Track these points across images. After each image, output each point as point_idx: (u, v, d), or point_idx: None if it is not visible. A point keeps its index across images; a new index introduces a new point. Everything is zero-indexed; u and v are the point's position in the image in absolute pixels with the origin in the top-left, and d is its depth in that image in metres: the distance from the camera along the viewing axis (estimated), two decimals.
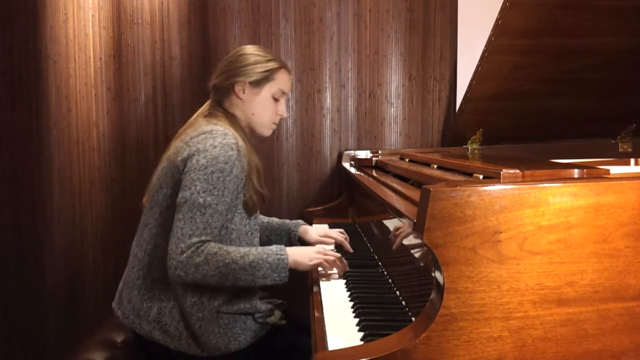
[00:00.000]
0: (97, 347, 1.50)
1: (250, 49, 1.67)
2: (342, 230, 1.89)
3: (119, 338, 1.54)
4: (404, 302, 1.30)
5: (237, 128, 1.60)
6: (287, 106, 2.61)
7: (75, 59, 2.53)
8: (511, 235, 0.92)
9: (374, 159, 2.24)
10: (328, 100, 2.63)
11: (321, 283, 1.51)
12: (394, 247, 1.42)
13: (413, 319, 1.16)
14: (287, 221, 1.92)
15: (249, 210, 1.56)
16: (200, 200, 1.41)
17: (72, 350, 1.52)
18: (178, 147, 1.52)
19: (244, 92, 1.62)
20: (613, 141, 2.33)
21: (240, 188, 1.51)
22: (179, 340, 1.44)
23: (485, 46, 1.91)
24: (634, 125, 2.29)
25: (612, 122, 2.26)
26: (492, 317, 0.93)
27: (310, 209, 2.52)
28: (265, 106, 1.65)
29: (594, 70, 2.05)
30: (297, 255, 1.50)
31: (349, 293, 1.40)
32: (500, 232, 0.92)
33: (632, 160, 2.05)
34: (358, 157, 2.43)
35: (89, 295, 2.58)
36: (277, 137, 2.62)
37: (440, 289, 0.93)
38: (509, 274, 0.93)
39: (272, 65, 1.64)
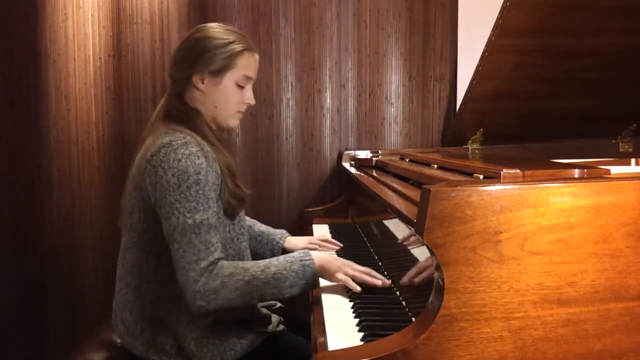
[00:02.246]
0: (96, 348, 1.50)
1: (209, 31, 1.47)
2: (326, 238, 1.88)
3: (119, 339, 1.54)
4: (404, 302, 1.30)
5: (201, 127, 1.45)
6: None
7: (74, 59, 2.52)
8: (511, 235, 0.92)
9: (374, 159, 2.23)
10: (328, 100, 2.63)
11: (321, 282, 1.50)
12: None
13: (413, 319, 1.16)
14: (271, 229, 1.83)
15: (229, 215, 1.44)
16: (190, 221, 1.28)
17: (71, 350, 1.52)
18: (140, 165, 1.37)
19: (203, 83, 1.45)
20: (613, 141, 2.33)
21: (217, 195, 1.39)
22: (175, 357, 1.40)
23: (486, 46, 1.91)
24: (635, 125, 2.28)
25: (612, 122, 2.26)
26: (493, 318, 0.92)
27: (310, 209, 2.52)
28: (228, 96, 1.47)
29: (594, 70, 2.05)
30: (324, 260, 1.38)
31: (349, 293, 1.40)
32: (501, 232, 0.92)
33: (633, 160, 2.04)
34: (358, 157, 2.43)
35: (89, 295, 2.58)
36: (277, 137, 2.62)
37: (440, 289, 0.93)
38: (510, 274, 0.92)
39: (233, 49, 1.44)
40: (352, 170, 2.23)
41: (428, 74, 2.64)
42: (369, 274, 1.39)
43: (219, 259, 1.31)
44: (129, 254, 1.43)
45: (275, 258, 1.37)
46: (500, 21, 1.83)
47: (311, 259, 1.35)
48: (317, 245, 1.83)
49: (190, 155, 1.32)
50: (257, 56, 1.52)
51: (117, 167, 2.58)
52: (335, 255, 1.43)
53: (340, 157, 2.62)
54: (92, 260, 2.59)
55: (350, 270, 1.38)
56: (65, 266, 2.57)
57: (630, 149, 2.30)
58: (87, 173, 2.57)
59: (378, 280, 1.38)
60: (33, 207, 2.55)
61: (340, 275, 1.36)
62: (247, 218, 1.82)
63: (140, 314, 1.41)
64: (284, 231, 1.84)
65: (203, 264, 1.27)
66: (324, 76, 2.62)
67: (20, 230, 2.56)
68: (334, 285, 1.47)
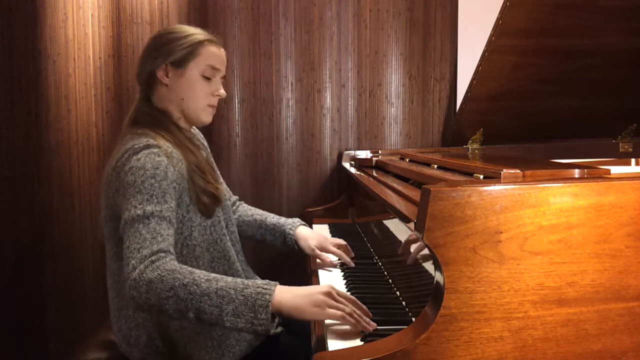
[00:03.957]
0: (97, 348, 1.50)
1: (169, 28, 1.49)
2: (340, 241, 1.70)
3: (119, 347, 1.54)
4: (404, 302, 1.30)
5: (169, 128, 1.42)
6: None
7: (74, 59, 2.52)
8: (512, 235, 0.92)
9: (374, 159, 2.23)
10: (328, 100, 2.63)
11: (321, 282, 1.50)
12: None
13: (413, 319, 1.16)
14: (282, 220, 1.74)
15: (205, 213, 1.39)
16: (139, 212, 1.21)
17: (72, 350, 1.52)
18: (107, 174, 1.37)
19: (167, 76, 1.43)
20: (614, 141, 2.34)
21: (187, 198, 1.35)
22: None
23: (486, 46, 1.91)
24: (635, 125, 2.29)
25: (612, 122, 2.26)
26: (493, 318, 0.92)
27: (310, 209, 2.52)
28: (195, 87, 1.44)
29: (594, 70, 2.05)
30: (294, 295, 1.13)
31: (349, 293, 1.40)
32: (501, 232, 0.92)
33: (633, 160, 2.04)
34: (358, 157, 2.43)
35: (89, 296, 2.58)
36: (277, 137, 2.62)
37: (440, 289, 0.93)
38: (510, 274, 0.92)
39: (193, 39, 1.43)
40: (352, 170, 2.23)
41: (428, 74, 2.64)
42: (353, 314, 1.12)
43: (166, 251, 1.18)
44: (113, 263, 1.41)
45: (232, 278, 1.17)
46: (500, 21, 1.83)
47: (270, 290, 1.12)
48: (328, 252, 1.66)
49: (150, 154, 1.30)
50: (222, 50, 1.49)
51: None
52: (315, 287, 1.17)
53: (340, 157, 2.61)
54: (92, 260, 2.59)
55: (333, 301, 1.13)
56: (65, 266, 2.57)
57: (630, 149, 2.30)
58: (87, 173, 2.57)
59: (360, 320, 1.12)
60: (33, 207, 2.55)
61: (328, 310, 1.12)
62: (259, 211, 1.80)
63: (134, 321, 1.40)
64: (296, 220, 1.74)
65: (145, 252, 1.16)
66: (324, 76, 2.62)
67: (20, 230, 2.56)
68: (333, 285, 1.46)
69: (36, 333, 2.58)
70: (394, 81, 2.64)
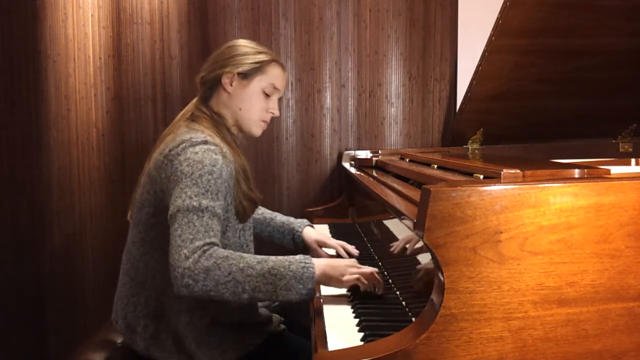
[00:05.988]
0: (97, 348, 1.50)
1: (241, 41, 1.57)
2: (343, 243, 1.77)
3: (119, 339, 1.54)
4: (404, 302, 1.30)
5: (222, 130, 1.50)
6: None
7: (74, 59, 2.52)
8: (512, 235, 0.92)
9: (374, 159, 2.23)
10: (328, 100, 2.63)
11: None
12: (396, 250, 1.42)
13: (413, 319, 1.16)
14: (292, 219, 1.83)
15: (241, 217, 1.45)
16: (195, 203, 1.27)
17: (71, 350, 1.52)
18: (157, 160, 1.40)
19: (231, 85, 1.51)
20: (614, 141, 2.34)
21: (230, 198, 1.41)
22: (178, 354, 1.40)
23: (486, 46, 1.91)
24: (635, 125, 2.29)
25: (612, 122, 2.26)
26: (493, 318, 0.92)
27: (310, 209, 2.52)
28: (254, 100, 1.52)
29: (594, 70, 2.05)
30: (327, 267, 1.29)
31: (349, 293, 1.40)
32: (501, 232, 0.92)
33: (633, 160, 2.04)
34: (358, 157, 2.43)
35: (89, 295, 2.58)
36: (277, 137, 2.62)
37: (440, 289, 0.93)
38: (510, 274, 0.92)
39: (263, 57, 1.53)
40: (352, 170, 2.23)
41: (428, 74, 2.64)
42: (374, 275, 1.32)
43: (216, 244, 1.26)
44: (136, 248, 1.43)
45: (273, 256, 1.28)
46: (500, 21, 1.83)
47: (311, 263, 1.26)
48: (328, 245, 1.74)
49: (208, 150, 1.35)
50: (286, 74, 1.61)
51: (117, 168, 2.58)
52: (336, 258, 1.36)
53: (340, 157, 2.61)
54: (92, 260, 2.59)
55: (357, 269, 1.31)
56: (65, 266, 2.57)
57: (630, 149, 2.30)
58: (87, 173, 2.57)
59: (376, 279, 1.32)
60: (33, 207, 2.55)
61: (347, 276, 1.29)
62: (268, 211, 1.86)
63: (144, 310, 1.42)
64: (304, 220, 1.85)
65: (198, 243, 1.23)
66: (324, 76, 2.62)
67: (20, 230, 2.56)
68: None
69: (36, 333, 2.58)
70: (394, 81, 2.64)
